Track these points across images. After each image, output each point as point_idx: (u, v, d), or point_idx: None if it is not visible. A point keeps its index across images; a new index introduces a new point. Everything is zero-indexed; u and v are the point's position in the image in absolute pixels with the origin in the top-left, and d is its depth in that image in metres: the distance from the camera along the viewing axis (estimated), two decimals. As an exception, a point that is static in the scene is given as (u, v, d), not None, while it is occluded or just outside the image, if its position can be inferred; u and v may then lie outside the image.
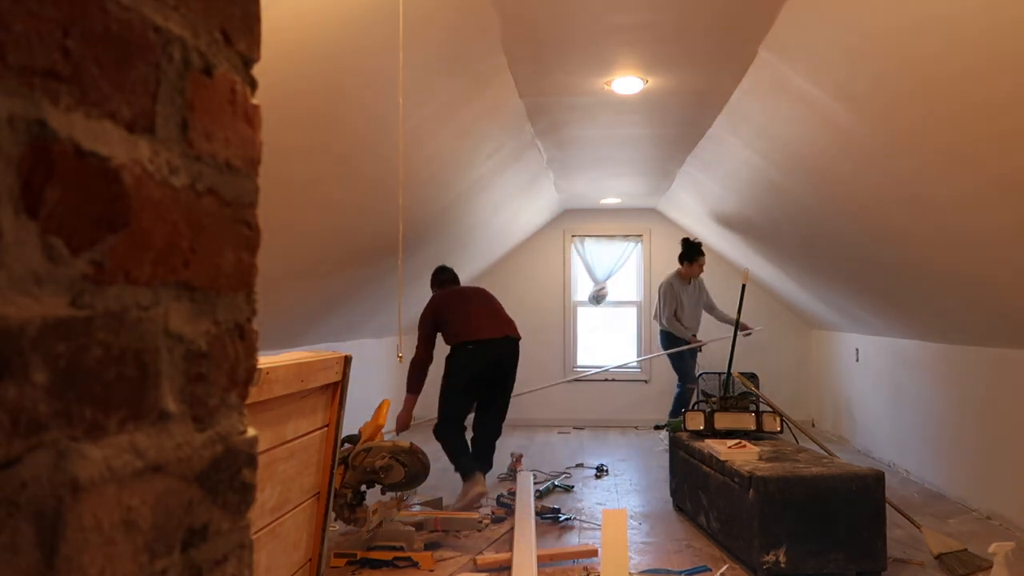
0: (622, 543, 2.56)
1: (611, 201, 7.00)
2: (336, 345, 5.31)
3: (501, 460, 5.39)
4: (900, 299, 4.32)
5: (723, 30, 2.83)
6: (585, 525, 3.80)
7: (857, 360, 5.90)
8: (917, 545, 3.39)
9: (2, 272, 0.33)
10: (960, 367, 4.24)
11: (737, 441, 3.57)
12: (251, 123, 0.54)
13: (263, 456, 1.61)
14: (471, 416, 4.37)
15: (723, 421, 3.93)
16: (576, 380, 7.07)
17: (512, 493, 4.25)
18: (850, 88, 2.72)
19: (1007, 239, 2.79)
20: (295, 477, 1.81)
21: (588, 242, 7.53)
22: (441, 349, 4.28)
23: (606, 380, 7.37)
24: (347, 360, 2.02)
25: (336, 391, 2.01)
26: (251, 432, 0.54)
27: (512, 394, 4.45)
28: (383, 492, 3.46)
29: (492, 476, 4.95)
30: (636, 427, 7.17)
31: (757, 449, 3.41)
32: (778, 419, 3.96)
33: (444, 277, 4.58)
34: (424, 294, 6.28)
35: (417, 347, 4.29)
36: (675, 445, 4.05)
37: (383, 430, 3.57)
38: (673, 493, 4.10)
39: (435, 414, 4.30)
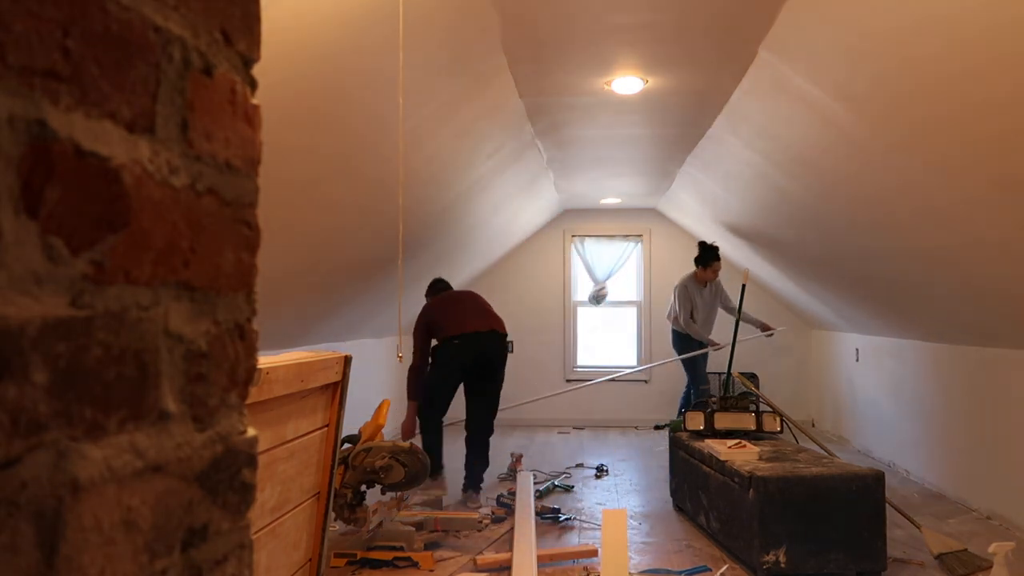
0: (622, 543, 2.56)
1: (611, 201, 7.00)
2: (336, 345, 5.31)
3: (501, 460, 5.39)
4: (900, 299, 4.32)
5: (723, 30, 2.83)
6: (585, 525, 3.80)
7: (857, 360, 5.90)
8: (917, 545, 3.39)
9: (2, 272, 0.33)
10: (960, 367, 4.24)
11: (737, 441, 3.57)
12: (251, 123, 0.54)
13: (263, 456, 1.61)
14: (467, 416, 4.48)
15: (723, 421, 3.93)
16: (578, 387, 7.06)
17: (512, 493, 4.25)
18: (850, 88, 2.72)
19: (1008, 239, 2.79)
20: (295, 477, 1.81)
21: (588, 242, 7.53)
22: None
23: (606, 380, 7.38)
24: (347, 360, 2.02)
25: (336, 391, 2.01)
26: (251, 432, 0.54)
27: (509, 402, 4.58)
28: (383, 492, 3.46)
29: (492, 476, 4.95)
30: (636, 427, 7.17)
31: (757, 449, 3.41)
32: (778, 419, 3.96)
33: (438, 287, 4.75)
34: (423, 294, 6.29)
35: (413, 354, 4.40)
36: (675, 445, 4.05)
37: (383, 430, 3.57)
38: (673, 493, 4.10)
39: (477, 431, 4.44)
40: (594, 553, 3.26)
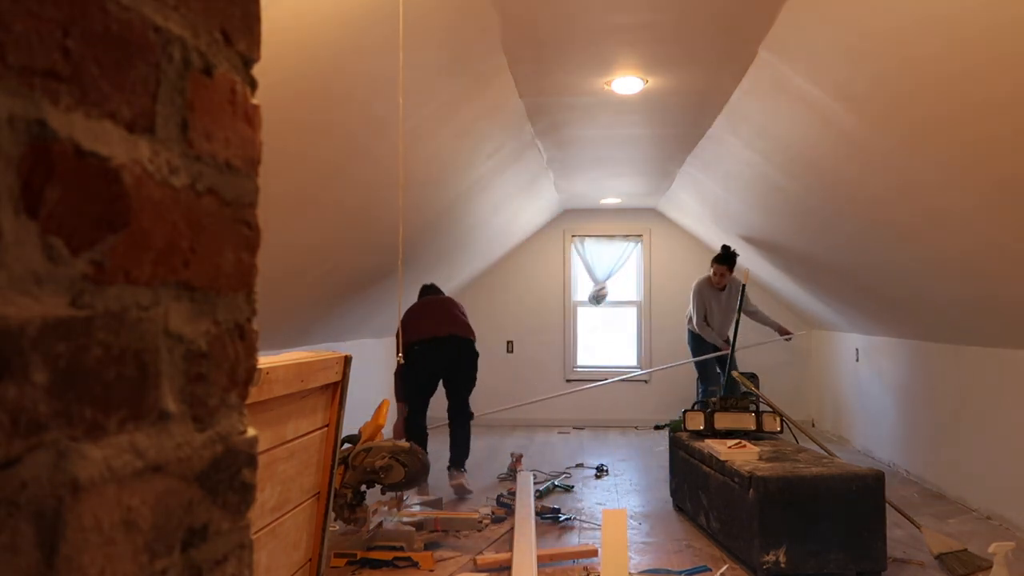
0: (622, 543, 2.56)
1: (611, 201, 7.00)
2: (336, 345, 5.30)
3: (501, 460, 5.40)
4: (900, 299, 4.32)
5: (723, 30, 2.83)
6: (585, 525, 3.80)
7: (857, 360, 5.90)
8: (917, 545, 3.39)
9: (2, 272, 0.33)
10: (960, 367, 4.24)
11: (737, 441, 3.57)
12: (251, 123, 0.54)
13: (263, 456, 1.61)
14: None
15: (723, 421, 3.93)
16: (581, 389, 7.06)
17: (512, 493, 4.25)
18: (850, 88, 2.72)
19: (1008, 239, 2.79)
20: (295, 477, 1.81)
21: (588, 242, 7.53)
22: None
23: (606, 380, 7.37)
24: (347, 360, 2.02)
25: (336, 391, 2.01)
26: (251, 432, 0.54)
27: (509, 402, 4.69)
28: (383, 492, 3.46)
29: (492, 476, 4.95)
30: (636, 427, 7.17)
31: (757, 449, 3.41)
32: (778, 419, 3.96)
33: (423, 293, 4.94)
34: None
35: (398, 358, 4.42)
36: (675, 445, 4.05)
37: (383, 430, 3.57)
38: (673, 493, 4.10)
39: (441, 418, 4.79)
40: (594, 553, 3.26)
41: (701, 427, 3.96)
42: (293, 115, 2.47)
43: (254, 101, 0.55)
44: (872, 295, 4.65)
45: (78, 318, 0.37)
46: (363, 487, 3.34)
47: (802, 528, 2.90)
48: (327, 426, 2.00)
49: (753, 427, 3.92)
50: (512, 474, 4.90)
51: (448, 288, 6.86)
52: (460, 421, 4.63)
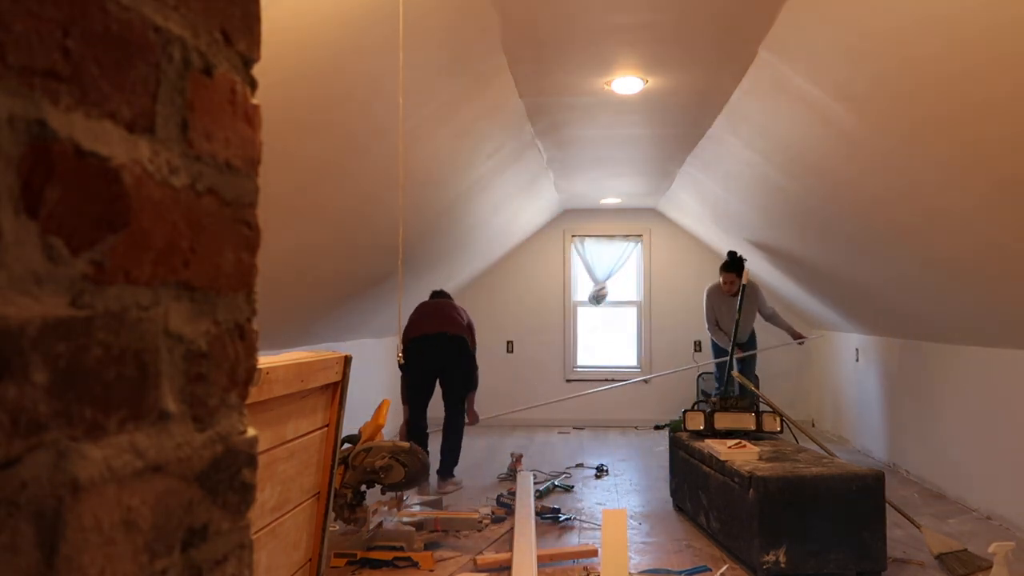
0: (622, 543, 2.56)
1: (611, 201, 7.00)
2: (336, 345, 5.30)
3: (501, 460, 5.40)
4: (900, 299, 4.32)
5: (723, 30, 2.83)
6: (585, 525, 3.80)
7: (857, 360, 5.90)
8: (917, 545, 3.39)
9: (2, 272, 0.33)
10: (960, 367, 4.24)
11: (737, 441, 3.57)
12: (251, 123, 0.54)
13: (263, 456, 1.61)
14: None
15: (723, 421, 3.93)
16: (585, 393, 7.05)
17: (512, 493, 4.25)
18: (850, 88, 2.72)
19: (1008, 240, 2.79)
20: (295, 477, 1.81)
21: (588, 242, 7.53)
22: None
23: (606, 380, 7.37)
24: (347, 360, 2.02)
25: (336, 391, 2.01)
26: (251, 432, 0.54)
27: (510, 405, 4.80)
28: (383, 492, 3.46)
29: (492, 476, 4.95)
30: (636, 427, 7.17)
31: (757, 449, 3.41)
32: (778, 419, 3.96)
33: (433, 296, 5.08)
34: (423, 294, 6.29)
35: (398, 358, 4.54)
36: (675, 445, 4.05)
37: (383, 430, 3.57)
38: (673, 493, 4.10)
39: (440, 420, 4.83)
40: (594, 553, 3.26)
41: (701, 427, 3.96)
42: (293, 115, 2.47)
43: (254, 101, 0.55)
44: (872, 295, 4.65)
45: (78, 318, 0.37)
46: (363, 487, 3.34)
47: (802, 528, 2.90)
48: (327, 426, 2.00)
49: (753, 427, 3.92)
50: (512, 474, 4.90)
51: (448, 288, 6.86)
52: (453, 427, 4.72)
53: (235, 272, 0.52)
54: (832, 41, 2.54)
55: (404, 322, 4.99)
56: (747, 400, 4.12)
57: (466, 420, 4.96)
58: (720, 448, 3.44)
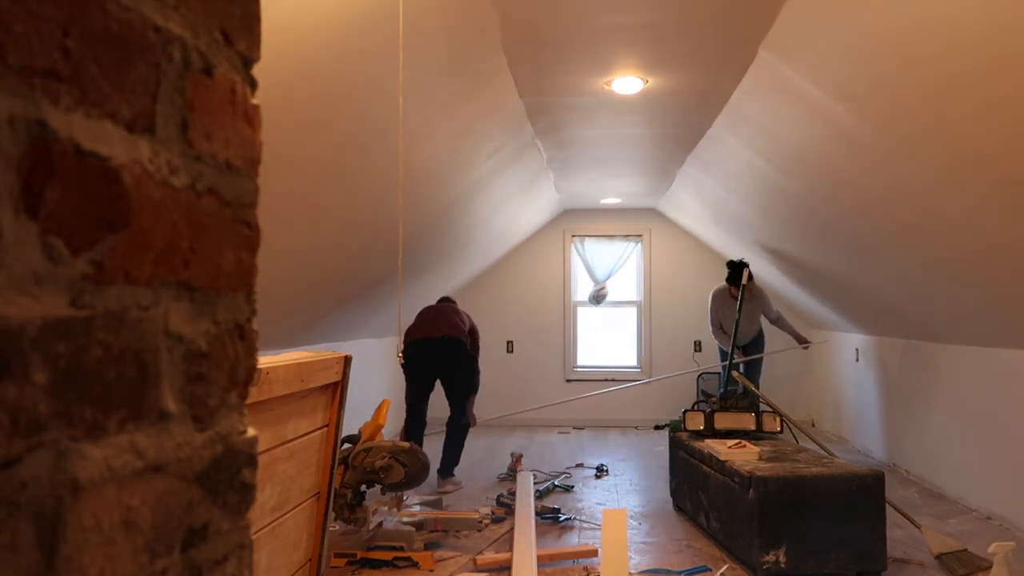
0: (622, 543, 2.56)
1: (611, 201, 7.00)
2: (336, 345, 5.30)
3: (501, 460, 5.40)
4: (900, 299, 4.32)
5: (723, 30, 2.83)
6: (585, 525, 3.80)
7: (857, 360, 5.90)
8: (917, 545, 3.39)
9: (2, 272, 0.33)
10: (960, 367, 4.24)
11: (737, 441, 3.57)
12: (251, 123, 0.54)
13: (263, 456, 1.61)
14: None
15: (723, 421, 3.93)
16: (580, 396, 7.06)
17: (512, 493, 4.25)
18: (850, 88, 2.72)
19: (1008, 240, 2.79)
20: (295, 477, 1.81)
21: (588, 242, 7.53)
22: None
23: (606, 380, 7.38)
24: (347, 360, 2.02)
25: (336, 391, 2.01)
26: (251, 432, 0.54)
27: (510, 407, 4.82)
28: (383, 492, 3.46)
29: (492, 476, 4.95)
30: (636, 427, 7.17)
31: (757, 449, 3.41)
32: (778, 419, 3.96)
33: (440, 301, 5.19)
34: (423, 294, 6.28)
35: (398, 357, 4.73)
36: (675, 445, 4.05)
37: (383, 430, 3.57)
38: (673, 493, 4.10)
39: (443, 420, 4.94)
40: (594, 553, 3.26)
41: (701, 427, 3.96)
42: (293, 116, 2.47)
43: (254, 101, 0.55)
44: (872, 295, 4.65)
45: (78, 318, 0.37)
46: (363, 487, 3.34)
47: (802, 528, 2.90)
48: (327, 426, 2.00)
49: (753, 427, 3.92)
50: (512, 474, 4.90)
51: (448, 288, 6.87)
52: (455, 429, 4.79)
53: (235, 272, 0.52)
54: (832, 41, 2.54)
55: (404, 322, 5.04)
56: (747, 400, 4.12)
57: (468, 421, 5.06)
58: (720, 448, 3.44)
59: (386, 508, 3.58)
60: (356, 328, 5.54)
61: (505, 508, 4.02)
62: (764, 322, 5.91)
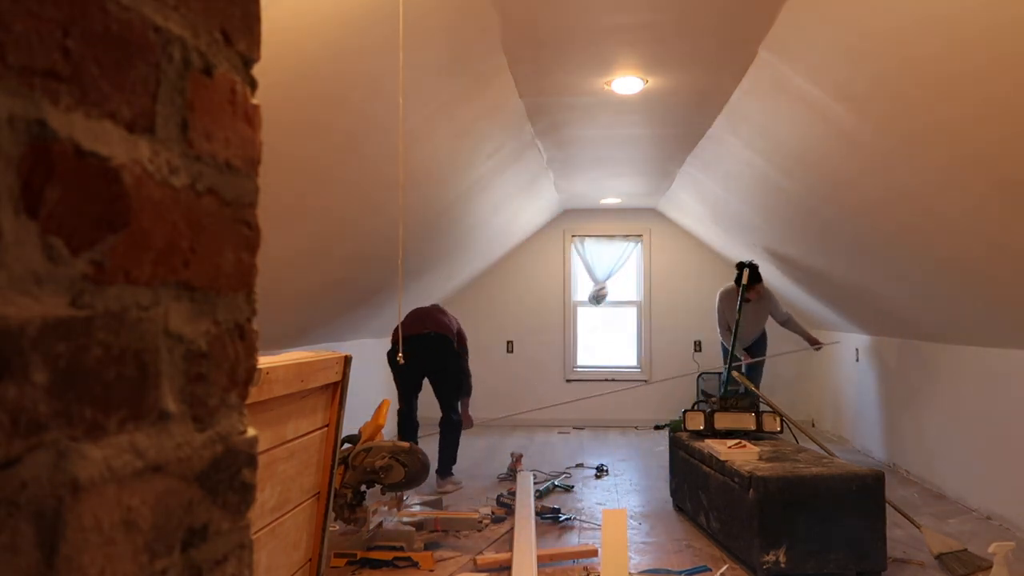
0: (622, 543, 2.56)
1: (611, 201, 7.00)
2: (336, 345, 5.30)
3: (501, 460, 5.40)
4: (900, 299, 4.32)
5: (723, 30, 2.83)
6: (585, 525, 3.80)
7: (857, 360, 5.90)
8: (917, 545, 3.39)
9: (2, 272, 0.33)
10: (960, 367, 4.24)
11: (737, 441, 3.57)
12: (251, 123, 0.54)
13: (263, 456, 1.61)
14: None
15: (723, 421, 3.93)
16: (581, 399, 7.06)
17: (512, 493, 4.25)
18: (850, 88, 2.72)
19: (1008, 240, 2.79)
20: (295, 477, 1.81)
21: (588, 242, 7.54)
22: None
23: (606, 380, 7.38)
24: (347, 360, 2.02)
25: (336, 391, 2.01)
26: (251, 432, 0.54)
27: (511, 408, 4.83)
28: (383, 492, 3.46)
29: (492, 476, 4.95)
30: (636, 427, 7.17)
31: (757, 449, 3.41)
32: (778, 419, 3.96)
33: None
34: (423, 294, 6.28)
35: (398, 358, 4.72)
36: (675, 445, 4.05)
37: (383, 430, 3.57)
38: (673, 493, 4.10)
39: (436, 421, 5.01)
40: (594, 553, 3.26)
41: (701, 427, 3.96)
42: (293, 116, 2.47)
43: (254, 101, 0.55)
44: (872, 295, 4.65)
45: (78, 318, 0.37)
46: (363, 487, 3.34)
47: (802, 528, 2.90)
48: (327, 426, 2.00)
49: (753, 427, 3.92)
50: (512, 474, 4.90)
51: (448, 288, 6.87)
52: (447, 428, 4.84)
53: (235, 272, 0.52)
54: (832, 41, 2.54)
55: (403, 319, 5.08)
56: (747, 400, 4.12)
57: (462, 423, 5.17)
58: (720, 448, 3.44)
59: (386, 508, 3.58)
60: (356, 328, 5.54)
61: (505, 508, 4.02)
62: (769, 324, 5.84)
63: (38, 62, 0.35)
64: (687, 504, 3.83)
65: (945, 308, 3.92)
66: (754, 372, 5.73)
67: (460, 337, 5.10)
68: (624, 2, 2.64)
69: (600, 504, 4.23)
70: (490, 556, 3.22)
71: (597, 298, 7.46)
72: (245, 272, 0.53)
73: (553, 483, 4.59)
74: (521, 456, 5.18)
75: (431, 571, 3.12)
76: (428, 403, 5.49)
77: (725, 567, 3.11)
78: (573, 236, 7.56)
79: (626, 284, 7.61)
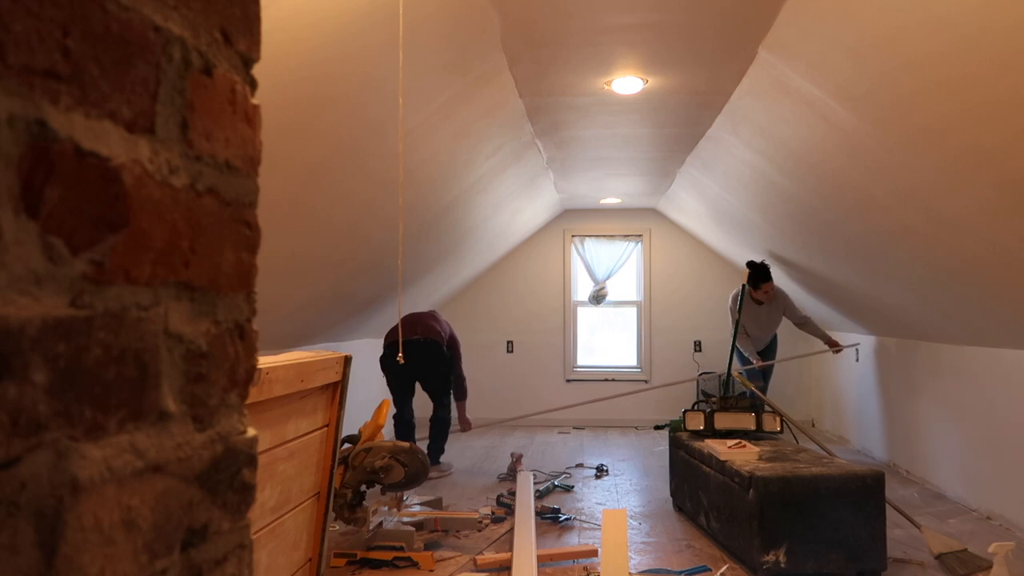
0: (622, 543, 2.56)
1: (611, 201, 7.00)
2: (336, 345, 5.31)
3: (501, 460, 5.40)
4: (901, 299, 4.32)
5: (723, 30, 2.83)
6: (585, 525, 3.80)
7: (857, 360, 5.90)
8: (917, 545, 3.39)
9: (2, 272, 0.33)
10: (960, 367, 4.24)
11: (737, 441, 3.57)
12: (251, 123, 0.54)
13: (263, 456, 1.61)
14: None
15: (723, 421, 3.93)
16: (581, 403, 7.06)
17: (512, 493, 4.25)
18: (851, 89, 2.71)
19: (1009, 241, 2.79)
20: (295, 477, 1.81)
21: (588, 242, 7.54)
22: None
23: (606, 380, 7.38)
24: (347, 360, 2.02)
25: (336, 391, 2.01)
26: (251, 432, 0.54)
27: (512, 410, 4.96)
28: (383, 492, 3.46)
29: (492, 476, 4.95)
30: (636, 427, 7.17)
31: (757, 449, 3.41)
32: (778, 419, 3.96)
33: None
34: (423, 293, 6.28)
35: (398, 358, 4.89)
36: (675, 445, 4.05)
37: (383, 430, 3.57)
38: (673, 493, 4.10)
39: (430, 418, 5.20)
40: (594, 553, 3.26)
41: (701, 427, 3.96)
42: (292, 116, 2.47)
43: (254, 101, 0.55)
44: (872, 295, 4.65)
45: (78, 318, 0.37)
46: (363, 487, 3.34)
47: (802, 528, 2.90)
48: (327, 426, 2.00)
49: (753, 427, 3.92)
50: (512, 474, 4.90)
51: (448, 288, 6.87)
52: (436, 422, 5.10)
53: (235, 272, 0.52)
54: (832, 41, 2.54)
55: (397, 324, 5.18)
56: (748, 400, 4.12)
57: (461, 427, 5.41)
58: (720, 448, 3.44)
59: (386, 508, 3.58)
60: (356, 328, 5.54)
61: (505, 508, 4.02)
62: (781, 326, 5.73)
63: (38, 62, 0.35)
64: (687, 504, 3.83)
65: (945, 308, 3.92)
66: (766, 373, 5.65)
67: (452, 343, 5.23)
68: (624, 2, 2.64)
69: (600, 504, 4.23)
70: (490, 556, 3.22)
71: (597, 298, 7.46)
72: (245, 272, 0.53)
73: (553, 483, 4.58)
74: (521, 456, 5.18)
75: (431, 571, 3.12)
76: (424, 404, 5.50)
77: (725, 567, 3.11)
78: (573, 236, 7.56)
79: (626, 284, 7.61)
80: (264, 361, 1.55)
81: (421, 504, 4.04)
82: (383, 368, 5.05)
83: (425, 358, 5.02)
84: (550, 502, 4.23)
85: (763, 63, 3.03)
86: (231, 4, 0.51)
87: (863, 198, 3.49)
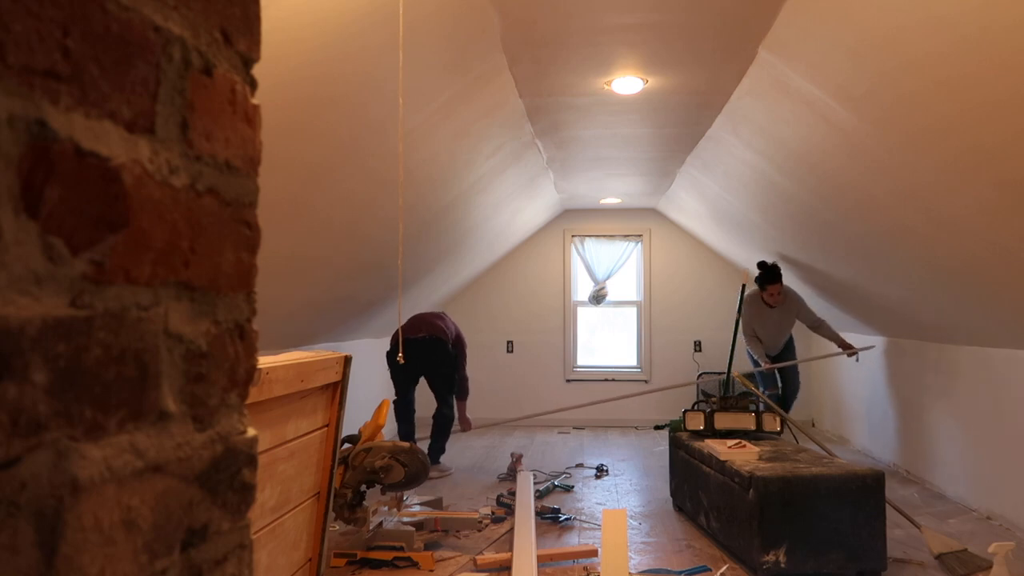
0: (622, 543, 2.56)
1: (611, 201, 7.00)
2: (336, 345, 5.31)
3: (501, 460, 5.40)
4: (901, 299, 4.32)
5: (723, 30, 2.83)
6: (585, 525, 3.80)
7: (857, 360, 5.90)
8: (917, 545, 3.39)
9: (2, 272, 0.33)
10: (960, 367, 4.24)
11: (737, 441, 3.57)
12: (251, 123, 0.54)
13: (263, 456, 1.61)
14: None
15: (723, 421, 3.93)
16: (582, 405, 7.06)
17: (512, 493, 4.25)
18: (851, 89, 2.71)
19: (1009, 241, 2.79)
20: (295, 477, 1.81)
21: (588, 242, 7.53)
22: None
23: (606, 380, 7.38)
24: (347, 360, 2.02)
25: (336, 391, 2.01)
26: (251, 432, 0.54)
27: (512, 411, 5.00)
28: (383, 492, 3.46)
29: (492, 476, 4.95)
30: (636, 427, 7.17)
31: (757, 449, 3.41)
32: (778, 419, 3.96)
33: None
34: (423, 293, 6.28)
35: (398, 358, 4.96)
36: (675, 445, 4.05)
37: (383, 430, 3.57)
38: (673, 493, 4.10)
39: (433, 414, 5.24)
40: (594, 553, 3.26)
41: (701, 427, 3.96)
42: (292, 116, 2.47)
43: (254, 101, 0.55)
44: (873, 295, 4.65)
45: (78, 318, 0.37)
46: (363, 487, 3.34)
47: (802, 528, 2.90)
48: (327, 426, 2.00)
49: (753, 427, 3.92)
50: (512, 474, 4.90)
51: (448, 288, 6.87)
52: (439, 420, 5.14)
53: (235, 272, 0.52)
54: (832, 41, 2.54)
55: (404, 323, 5.19)
56: (747, 400, 4.12)
57: (461, 427, 5.43)
58: (720, 448, 3.44)
59: (386, 508, 3.58)
60: (356, 328, 5.54)
61: (505, 508, 4.02)
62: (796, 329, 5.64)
63: (38, 62, 0.35)
64: (687, 504, 3.83)
65: (945, 308, 3.92)
66: (790, 379, 5.53)
67: (458, 342, 5.28)
68: (624, 2, 2.64)
69: (600, 504, 4.23)
70: (490, 556, 3.22)
71: (597, 298, 7.46)
72: (245, 272, 0.53)
73: (553, 483, 4.58)
74: (521, 456, 5.18)
75: (431, 571, 3.12)
76: (426, 404, 5.50)
77: (725, 567, 3.11)
78: (573, 236, 7.56)
79: (626, 284, 7.61)
80: (264, 361, 1.55)
81: (421, 504, 4.04)
82: (389, 363, 5.14)
83: (429, 355, 5.09)
84: (550, 502, 4.23)
85: (763, 63, 3.03)
86: (231, 4, 0.51)
87: (863, 198, 3.49)
